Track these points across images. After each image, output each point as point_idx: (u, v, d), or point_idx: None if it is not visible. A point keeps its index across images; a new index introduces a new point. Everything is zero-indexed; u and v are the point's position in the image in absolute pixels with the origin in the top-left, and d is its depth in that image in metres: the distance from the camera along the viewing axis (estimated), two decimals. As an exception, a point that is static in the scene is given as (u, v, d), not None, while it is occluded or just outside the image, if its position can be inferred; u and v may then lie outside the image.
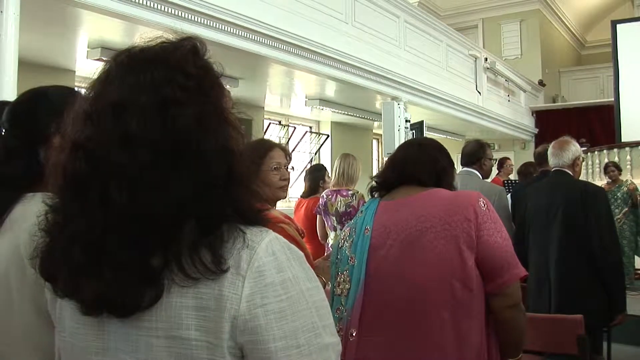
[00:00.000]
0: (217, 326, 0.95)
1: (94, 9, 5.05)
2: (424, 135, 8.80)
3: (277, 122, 11.12)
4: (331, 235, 5.31)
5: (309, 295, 1.01)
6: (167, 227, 0.97)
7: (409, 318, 2.02)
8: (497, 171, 8.71)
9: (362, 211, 2.30)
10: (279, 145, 2.89)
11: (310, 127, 12.01)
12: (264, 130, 10.43)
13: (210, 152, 0.99)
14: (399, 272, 2.06)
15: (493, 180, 7.95)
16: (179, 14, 5.60)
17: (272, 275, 0.98)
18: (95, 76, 1.06)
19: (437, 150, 2.34)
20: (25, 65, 4.76)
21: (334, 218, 5.21)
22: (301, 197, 6.13)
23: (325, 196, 5.35)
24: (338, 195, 5.24)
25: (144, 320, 0.98)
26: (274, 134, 10.78)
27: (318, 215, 5.45)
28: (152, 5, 5.35)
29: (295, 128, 11.38)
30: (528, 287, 3.85)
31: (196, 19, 5.77)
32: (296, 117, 11.51)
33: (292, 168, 2.89)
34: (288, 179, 2.82)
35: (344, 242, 2.27)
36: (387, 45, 8.65)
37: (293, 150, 11.18)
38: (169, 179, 0.96)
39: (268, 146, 2.85)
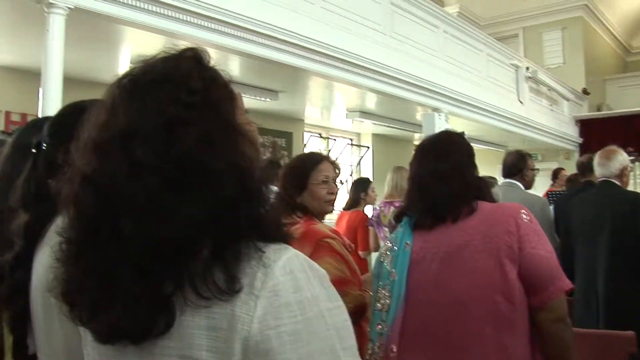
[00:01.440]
0: (228, 347, 0.92)
1: (135, 25, 5.13)
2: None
3: (318, 135, 11.13)
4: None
5: (330, 316, 0.96)
6: (179, 254, 0.94)
7: (450, 333, 1.98)
8: (551, 182, 8.57)
9: (402, 225, 2.26)
10: (327, 158, 2.88)
11: (351, 140, 11.99)
12: (304, 143, 10.45)
13: (220, 170, 0.95)
14: (439, 287, 2.03)
15: (547, 191, 7.84)
16: (219, 29, 5.66)
17: (287, 295, 0.93)
18: (101, 103, 1.03)
19: (458, 162, 2.21)
20: (69, 81, 4.85)
21: (387, 229, 5.27)
22: (343, 209, 6.14)
23: (378, 208, 5.43)
24: (391, 207, 5.31)
25: (157, 341, 0.96)
26: (314, 147, 10.78)
27: (371, 227, 5.51)
28: (191, 20, 5.42)
29: (335, 140, 11.37)
30: (575, 300, 3.76)
31: (236, 33, 5.83)
32: (337, 130, 11.50)
33: (341, 182, 2.87)
34: (336, 193, 2.80)
35: (385, 257, 2.23)
36: (426, 56, 8.59)
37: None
38: (178, 204, 0.93)
39: (317, 159, 2.84)
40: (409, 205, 2.27)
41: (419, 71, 8.27)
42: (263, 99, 8.03)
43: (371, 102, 9.13)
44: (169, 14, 5.22)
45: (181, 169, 0.94)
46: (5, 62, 6.38)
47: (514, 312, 1.93)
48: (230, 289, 0.92)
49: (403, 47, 8.09)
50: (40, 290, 1.39)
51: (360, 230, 5.62)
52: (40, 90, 4.42)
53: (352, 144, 11.96)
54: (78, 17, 4.62)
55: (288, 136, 9.98)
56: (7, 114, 6.37)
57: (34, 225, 1.46)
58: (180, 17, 5.32)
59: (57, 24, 4.42)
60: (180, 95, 0.98)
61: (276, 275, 0.94)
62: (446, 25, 9.25)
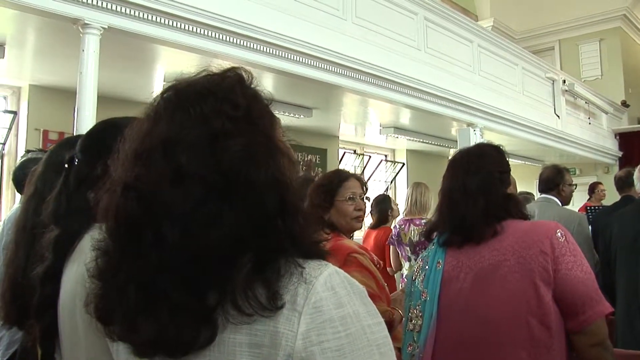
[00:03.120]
0: None
1: (169, 44, 5.19)
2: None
3: (352, 151, 11.12)
4: (405, 265, 5.25)
5: (371, 333, 0.96)
6: (222, 264, 0.94)
7: (483, 356, 1.93)
8: (587, 196, 8.43)
9: (434, 243, 2.21)
10: (354, 176, 2.90)
11: (386, 156, 11.95)
12: (339, 160, 10.45)
13: (261, 183, 0.97)
14: (472, 308, 1.97)
15: (582, 206, 7.70)
16: (252, 46, 5.70)
17: (330, 311, 0.93)
18: (143, 114, 1.05)
19: (487, 178, 2.12)
20: (104, 99, 4.92)
21: (408, 248, 5.15)
22: (369, 227, 6.10)
23: (398, 226, 5.29)
24: (411, 225, 5.18)
25: (197, 358, 0.96)
26: (349, 163, 10.78)
27: (391, 246, 5.40)
28: (225, 38, 5.47)
29: (370, 157, 11.34)
30: (617, 319, 3.65)
31: (269, 50, 5.86)
32: (371, 146, 11.47)
33: (368, 198, 2.87)
34: (363, 210, 2.81)
35: (416, 275, 2.19)
36: (461, 71, 8.52)
37: (368, 179, 11.15)
38: (221, 214, 0.94)
39: (344, 176, 2.86)
40: (438, 221, 2.22)
41: (453, 86, 8.21)
42: (297, 115, 8.05)
43: (405, 118, 9.09)
44: (203, 32, 5.27)
45: (225, 179, 0.95)
46: (44, 82, 6.51)
47: (549, 337, 1.86)
48: (273, 305, 0.93)
49: (437, 62, 8.04)
50: (67, 305, 1.41)
51: (388, 247, 5.56)
52: (75, 108, 4.49)
53: (387, 160, 11.92)
54: (112, 37, 4.69)
55: (322, 153, 9.98)
56: (45, 132, 6.48)
57: (64, 239, 1.47)
58: (214, 36, 5.37)
59: (91, 43, 4.50)
60: (224, 108, 1.00)
61: (318, 291, 0.94)
62: (480, 39, 9.19)
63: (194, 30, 5.21)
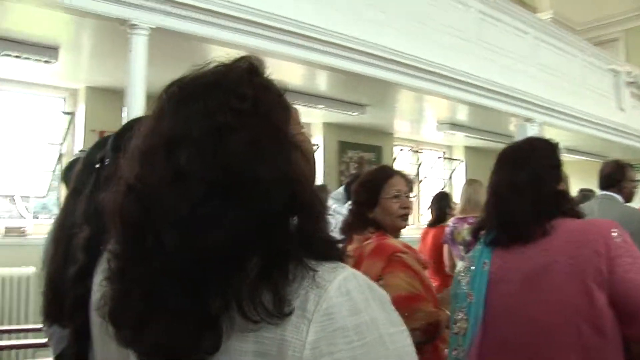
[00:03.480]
0: None
1: (218, 43, 5.22)
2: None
3: (408, 149, 11.01)
4: (459, 265, 5.13)
5: (391, 342, 0.88)
6: (226, 268, 0.88)
7: None
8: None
9: (480, 242, 2.10)
10: (399, 173, 2.84)
11: (443, 153, 11.79)
12: (394, 157, 10.36)
13: (268, 180, 0.89)
14: (519, 311, 1.86)
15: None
16: (305, 44, 5.72)
17: (343, 319, 0.85)
18: (150, 112, 1.01)
19: (536, 173, 2.00)
20: (153, 99, 4.96)
21: (462, 247, 5.02)
22: (427, 226, 6.00)
23: (451, 224, 5.18)
24: (465, 224, 5.05)
25: None
26: (404, 161, 10.68)
27: (445, 245, 5.28)
28: (277, 36, 5.49)
29: (426, 154, 11.21)
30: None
31: (322, 48, 5.87)
32: (427, 143, 11.34)
33: (415, 196, 2.82)
34: (409, 207, 2.74)
35: (462, 276, 2.10)
36: (517, 65, 8.30)
37: (425, 177, 11.03)
38: (224, 215, 0.88)
39: (388, 173, 2.81)
40: (485, 219, 2.11)
41: (510, 80, 8.02)
42: (350, 113, 8.01)
43: (462, 114, 8.94)
44: (252, 30, 5.29)
45: (227, 176, 0.89)
46: (99, 84, 6.65)
47: (604, 343, 1.73)
48: (280, 312, 0.86)
49: (492, 56, 7.86)
50: (95, 307, 1.40)
51: (446, 247, 5.44)
52: (124, 108, 4.55)
53: (444, 157, 11.76)
54: (162, 37, 4.73)
55: (377, 150, 9.92)
56: (101, 133, 6.60)
57: (94, 239, 1.45)
58: (266, 34, 5.39)
59: (139, 44, 4.56)
60: (229, 101, 0.93)
61: (331, 296, 0.87)
62: (537, 31, 8.92)
63: (243, 28, 5.25)
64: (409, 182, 2.84)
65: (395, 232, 2.76)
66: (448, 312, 2.42)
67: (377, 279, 2.49)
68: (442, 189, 10.76)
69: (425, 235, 5.89)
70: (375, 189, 2.75)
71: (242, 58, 1.02)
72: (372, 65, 6.34)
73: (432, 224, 5.91)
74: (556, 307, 1.79)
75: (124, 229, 0.95)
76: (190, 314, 0.89)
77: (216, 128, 0.91)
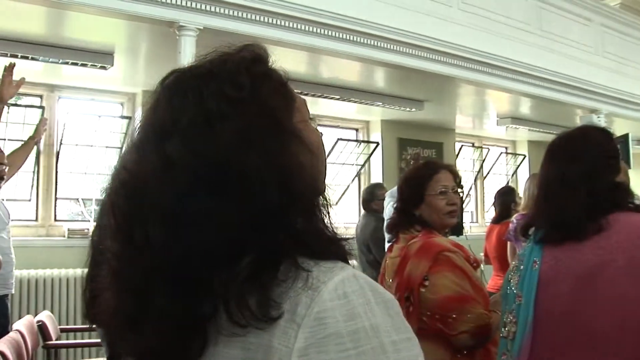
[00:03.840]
0: None
1: (278, 44, 5.20)
2: (630, 150, 7.98)
3: (470, 144, 10.79)
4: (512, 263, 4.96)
5: (394, 351, 0.77)
6: (215, 268, 0.81)
7: None
8: None
9: (530, 240, 1.94)
10: (446, 167, 2.71)
11: (506, 148, 11.50)
12: (456, 154, 10.17)
13: (259, 171, 0.82)
14: (572, 315, 1.70)
15: None
16: (361, 41, 5.68)
17: (337, 324, 0.76)
18: (147, 104, 0.95)
19: (591, 166, 1.84)
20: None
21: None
22: (491, 223, 5.83)
23: (515, 221, 5.00)
24: (528, 219, 4.85)
25: None
26: (466, 157, 10.48)
27: (509, 242, 5.12)
28: (334, 34, 5.48)
29: (489, 150, 10.96)
30: None
31: (379, 44, 5.81)
32: (490, 138, 11.07)
33: (463, 192, 2.69)
34: (457, 204, 2.62)
35: (512, 276, 1.95)
36: (581, 54, 7.98)
37: (488, 173, 10.80)
38: (212, 210, 0.81)
39: (434, 168, 2.68)
40: (535, 215, 1.97)
41: (573, 70, 7.72)
42: (408, 109, 7.90)
43: (525, 107, 8.69)
44: (309, 29, 5.29)
45: (215, 167, 0.83)
46: (148, 87, 6.73)
47: None
48: (266, 316, 0.78)
49: (554, 46, 7.58)
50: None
51: (510, 244, 5.27)
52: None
53: (507, 153, 11.48)
54: (208, 37, 4.73)
55: (438, 147, 9.73)
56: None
57: None
58: (320, 32, 5.39)
59: (188, 45, 4.59)
60: (225, 89, 0.88)
61: (324, 299, 0.78)
62: (603, 18, 8.55)
63: (299, 27, 5.26)
64: (456, 177, 2.71)
65: (443, 230, 2.64)
66: (499, 315, 2.31)
67: (423, 279, 2.40)
68: (506, 185, 10.53)
69: (489, 232, 5.72)
70: (420, 185, 2.64)
71: (245, 46, 0.97)
72: (427, 59, 6.25)
73: (496, 221, 5.73)
74: (613, 312, 1.63)
75: (116, 224, 0.90)
76: (176, 315, 0.82)
77: (206, 116, 0.86)
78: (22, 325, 4.28)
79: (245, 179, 0.82)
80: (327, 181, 1.01)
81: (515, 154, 11.47)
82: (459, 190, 2.68)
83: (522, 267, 1.89)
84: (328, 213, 0.91)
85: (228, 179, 0.83)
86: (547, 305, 1.77)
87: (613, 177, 1.84)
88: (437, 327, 2.35)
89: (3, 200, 4.76)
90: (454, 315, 2.32)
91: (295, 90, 0.99)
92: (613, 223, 1.71)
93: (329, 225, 0.90)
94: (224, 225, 0.81)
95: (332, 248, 0.87)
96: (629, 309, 1.60)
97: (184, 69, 0.95)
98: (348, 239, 0.92)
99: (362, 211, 6.58)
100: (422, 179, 2.66)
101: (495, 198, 5.86)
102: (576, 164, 1.84)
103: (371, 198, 6.29)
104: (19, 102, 6.24)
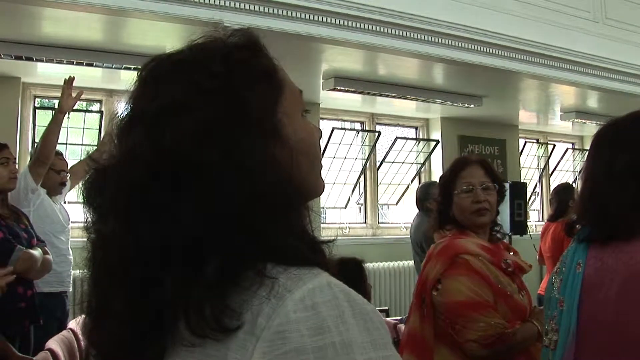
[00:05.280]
0: None
1: (334, 42, 5.25)
2: None
3: (535, 141, 10.49)
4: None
5: None
6: (169, 267, 0.74)
7: None
8: None
9: (575, 239, 1.77)
10: (475, 161, 2.56)
11: (573, 144, 11.13)
12: (520, 150, 9.91)
13: (219, 169, 0.76)
14: (619, 324, 1.51)
15: None
16: (418, 37, 5.59)
17: (300, 339, 0.69)
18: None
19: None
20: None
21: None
22: (547, 220, 5.63)
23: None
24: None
25: None
26: (531, 154, 10.19)
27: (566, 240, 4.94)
28: (390, 31, 5.42)
29: (554, 146, 10.63)
30: None
31: (433, 39, 5.72)
32: (556, 134, 10.72)
33: (495, 187, 2.55)
34: (485, 201, 2.45)
35: (555, 278, 1.77)
36: (651, 42, 7.61)
37: (554, 169, 10.48)
38: (166, 205, 0.75)
39: (461, 164, 2.55)
40: (579, 213, 1.79)
41: (642, 59, 7.36)
42: (467, 105, 7.72)
43: (592, 101, 8.34)
44: (362, 26, 5.25)
45: (173, 161, 0.77)
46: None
47: None
48: (221, 326, 0.71)
49: (620, 34, 7.21)
50: None
51: (567, 243, 5.05)
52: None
53: (574, 149, 11.10)
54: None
55: (501, 143, 9.48)
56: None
57: None
58: (376, 29, 5.34)
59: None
60: (195, 77, 0.82)
61: (287, 310, 0.70)
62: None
63: (354, 25, 5.23)
64: (488, 172, 2.56)
65: (476, 230, 2.50)
66: (537, 324, 2.17)
67: (437, 281, 2.30)
68: (573, 182, 10.19)
69: (545, 230, 5.54)
70: (449, 183, 2.54)
71: (235, 31, 0.91)
72: (488, 54, 6.09)
73: (552, 218, 5.53)
74: None
75: (91, 218, 0.86)
76: (136, 319, 0.77)
77: (172, 106, 0.80)
78: (76, 324, 4.33)
79: (203, 175, 0.76)
80: (317, 180, 0.93)
81: (582, 150, 11.07)
82: (492, 186, 2.52)
83: (564, 269, 1.72)
84: (308, 214, 0.83)
85: (184, 173, 0.76)
86: (591, 313, 1.58)
87: None
88: (450, 333, 2.25)
89: (65, 203, 4.89)
90: (462, 322, 2.21)
91: (286, 79, 0.92)
92: None
93: (307, 227, 0.82)
94: (178, 222, 0.75)
95: (307, 253, 0.78)
96: None
97: (165, 55, 0.90)
98: (330, 241, 0.84)
99: (417, 210, 6.44)
100: (450, 177, 2.55)
101: (552, 195, 5.66)
102: (624, 153, 1.64)
103: (425, 197, 6.10)
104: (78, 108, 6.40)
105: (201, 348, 0.73)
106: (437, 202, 2.61)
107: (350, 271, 3.02)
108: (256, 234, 0.76)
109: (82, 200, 0.87)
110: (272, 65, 0.90)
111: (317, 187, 0.92)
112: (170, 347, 0.77)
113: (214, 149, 0.77)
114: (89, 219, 0.87)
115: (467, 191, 2.47)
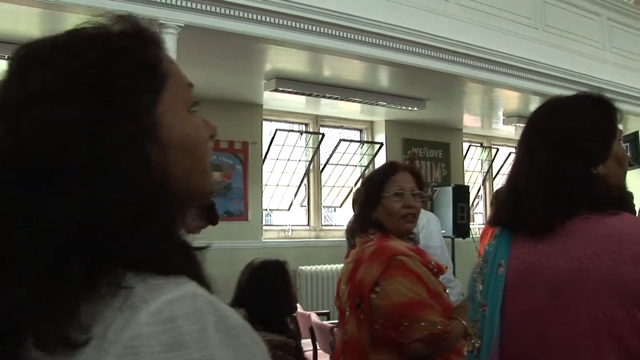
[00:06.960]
0: None
1: (275, 42, 5.22)
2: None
3: (479, 144, 10.62)
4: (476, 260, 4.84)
5: None
6: (29, 277, 0.67)
7: None
8: None
9: (495, 236, 1.64)
10: (407, 168, 2.57)
11: (515, 148, 11.29)
12: (464, 154, 10.01)
13: (85, 168, 0.69)
14: (542, 330, 1.42)
15: None
16: (363, 39, 5.61)
17: (152, 355, 0.62)
18: None
19: (567, 144, 1.49)
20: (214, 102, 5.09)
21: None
22: (487, 223, 5.70)
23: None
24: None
25: None
26: (474, 157, 10.31)
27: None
28: (335, 33, 5.42)
29: (498, 149, 10.78)
30: None
31: (379, 42, 5.74)
32: (500, 138, 10.85)
33: (425, 196, 2.54)
34: (413, 207, 2.45)
35: (477, 277, 1.64)
36: (587, 49, 7.75)
37: (497, 173, 10.63)
38: (21, 206, 0.69)
39: (392, 169, 2.53)
40: (499, 207, 1.69)
41: (580, 66, 7.49)
42: (410, 108, 7.75)
43: (534, 106, 8.35)
44: (305, 27, 5.24)
45: (26, 157, 0.70)
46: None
47: None
48: (66, 340, 0.64)
49: (558, 41, 7.39)
50: None
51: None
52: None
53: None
54: (191, 35, 4.67)
55: (445, 147, 9.56)
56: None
57: None
58: (320, 30, 5.34)
59: (170, 43, 4.49)
60: (67, 65, 0.74)
61: (140, 323, 0.64)
62: (610, 12, 8.29)
63: (294, 25, 5.19)
64: (418, 179, 2.56)
65: (400, 236, 2.47)
66: (463, 322, 2.17)
67: (374, 284, 2.25)
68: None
69: (484, 234, 5.61)
70: (377, 186, 2.50)
71: (122, 18, 0.83)
72: (433, 57, 6.15)
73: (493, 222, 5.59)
74: (586, 330, 1.35)
75: None
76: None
77: (39, 96, 0.72)
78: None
79: (65, 173, 0.69)
80: (204, 181, 0.86)
81: (525, 154, 11.26)
82: (421, 193, 2.53)
83: (485, 270, 1.60)
84: (176, 218, 0.76)
85: (41, 171, 0.70)
86: (514, 318, 1.49)
87: (592, 165, 1.48)
88: (390, 336, 2.21)
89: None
90: (406, 323, 2.18)
91: (172, 71, 0.84)
92: (587, 227, 1.41)
93: (174, 232, 0.75)
94: (35, 227, 0.68)
95: (174, 260, 0.71)
96: (600, 327, 1.33)
97: (40, 40, 0.80)
98: (203, 248, 0.77)
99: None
100: (379, 180, 2.52)
101: (492, 197, 5.72)
102: (545, 143, 1.52)
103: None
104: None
105: None
106: (360, 204, 2.57)
107: (273, 273, 2.97)
108: (116, 240, 0.69)
109: None
110: (157, 56, 0.82)
111: (204, 188, 0.86)
112: None
113: (78, 145, 0.70)
114: None
115: (398, 194, 2.44)
